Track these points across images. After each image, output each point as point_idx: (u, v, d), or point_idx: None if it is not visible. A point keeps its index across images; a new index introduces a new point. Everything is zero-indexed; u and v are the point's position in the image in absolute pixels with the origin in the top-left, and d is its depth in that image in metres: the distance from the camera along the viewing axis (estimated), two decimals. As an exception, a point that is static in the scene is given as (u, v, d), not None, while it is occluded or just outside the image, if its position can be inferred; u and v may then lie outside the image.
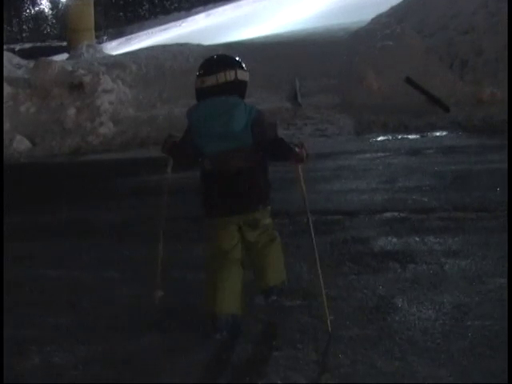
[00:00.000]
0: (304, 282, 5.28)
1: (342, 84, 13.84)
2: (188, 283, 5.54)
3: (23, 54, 27.88)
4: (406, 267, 5.38)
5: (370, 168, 8.83)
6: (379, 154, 9.68)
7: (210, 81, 4.40)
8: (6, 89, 16.33)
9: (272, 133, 4.49)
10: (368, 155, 9.69)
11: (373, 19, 17.88)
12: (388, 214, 6.80)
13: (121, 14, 67.00)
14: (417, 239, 6.00)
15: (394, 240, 6.07)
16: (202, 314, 4.57)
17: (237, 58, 4.59)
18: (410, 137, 10.82)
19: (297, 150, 4.51)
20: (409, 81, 12.51)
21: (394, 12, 17.64)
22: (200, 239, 6.49)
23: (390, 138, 10.92)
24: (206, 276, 4.65)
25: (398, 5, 18.10)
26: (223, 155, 4.38)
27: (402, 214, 6.76)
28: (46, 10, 75.26)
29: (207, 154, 4.44)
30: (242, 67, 4.49)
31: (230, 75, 4.39)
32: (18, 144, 14.28)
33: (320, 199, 7.53)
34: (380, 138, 10.95)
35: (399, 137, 10.88)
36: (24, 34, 73.29)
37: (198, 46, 18.26)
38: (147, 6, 67.38)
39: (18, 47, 57.59)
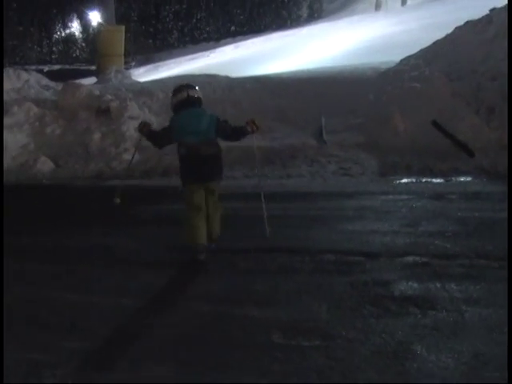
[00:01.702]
0: (322, 322, 5.23)
1: (368, 123, 13.82)
2: (204, 315, 5.51)
3: (51, 75, 28.11)
4: (426, 313, 5.32)
5: (393, 210, 8.77)
6: (402, 197, 9.63)
7: (181, 96, 7.09)
8: (33, 109, 16.46)
9: (227, 126, 7.13)
10: (391, 197, 9.63)
11: (402, 60, 17.92)
12: (409, 258, 6.72)
13: (150, 41, 67.53)
14: (438, 285, 5.93)
15: (415, 285, 6.00)
16: (224, 346, 4.54)
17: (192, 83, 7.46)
18: (434, 180, 10.74)
19: (248, 128, 7.17)
20: (435, 124, 12.46)
21: (423, 54, 17.68)
22: (220, 271, 6.54)
23: (414, 180, 10.85)
24: (185, 221, 7.02)
25: (428, 47, 18.13)
26: (195, 145, 6.87)
27: (423, 259, 6.68)
28: (77, 34, 76.04)
29: (184, 144, 6.95)
30: (196, 88, 7.23)
31: (194, 93, 7.12)
32: (42, 165, 14.34)
33: (341, 239, 7.49)
34: (404, 180, 10.88)
35: (423, 180, 10.80)
36: (53, 56, 74.02)
37: (226, 77, 18.36)
38: (176, 35, 67.96)
39: (46, 68, 58.14)
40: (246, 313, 5.43)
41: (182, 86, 7.25)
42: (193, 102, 7.03)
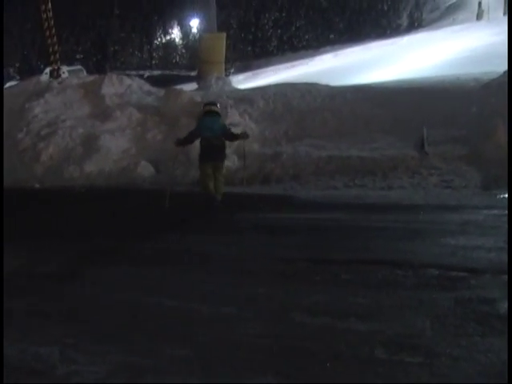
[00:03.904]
0: (426, 338, 5.13)
1: (470, 135, 13.56)
2: (306, 327, 5.47)
3: (152, 80, 28.58)
4: (534, 333, 5.17)
5: (498, 225, 8.54)
6: (507, 211, 9.39)
7: (206, 108, 11.49)
8: (135, 114, 16.81)
9: (229, 131, 11.53)
10: (495, 211, 9.40)
11: (505, 71, 17.51)
12: (516, 276, 6.56)
13: (249, 48, 68.01)
14: (546, 304, 5.76)
15: (522, 303, 5.84)
16: (326, 359, 4.51)
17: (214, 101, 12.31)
18: (540, 195, 10.48)
19: (240, 135, 11.55)
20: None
21: (527, 65, 17.23)
22: (322, 282, 6.51)
23: (519, 195, 10.60)
24: (200, 182, 11.36)
25: (535, 58, 17.67)
26: (209, 138, 11.05)
27: (531, 277, 6.51)
28: (177, 40, 77.22)
29: (203, 137, 11.17)
30: (217, 105, 11.81)
31: (214, 108, 11.47)
32: (143, 169, 14.63)
33: (445, 253, 7.35)
34: (508, 195, 10.63)
35: (528, 194, 10.55)
36: (153, 62, 75.39)
37: (326, 86, 18.33)
38: (276, 43, 68.23)
39: (146, 74, 59.25)
40: (348, 326, 5.38)
41: (208, 102, 12.26)
42: (212, 112, 11.42)
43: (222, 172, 11.29)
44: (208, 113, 11.38)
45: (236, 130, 12.29)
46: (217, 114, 11.42)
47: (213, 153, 11.10)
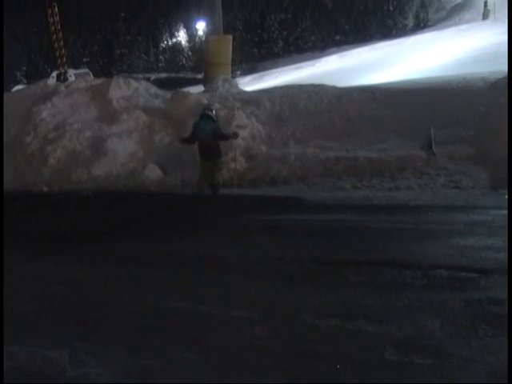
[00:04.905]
0: (436, 340, 5.13)
1: (478, 135, 13.51)
2: (316, 329, 5.47)
3: (158, 83, 28.62)
4: (545, 333, 5.15)
5: (506, 225, 8.50)
6: (507, 211, 9.35)
7: (201, 112, 12.99)
8: (142, 117, 16.81)
9: (220, 131, 12.74)
10: (504, 212, 9.32)
11: (513, 71, 17.46)
12: (526, 276, 6.53)
13: (255, 50, 68.11)
14: (557, 304, 5.74)
15: (532, 304, 5.81)
16: (336, 361, 4.51)
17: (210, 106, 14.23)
18: (548, 195, 10.43)
19: (230, 135, 12.91)
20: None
21: (534, 64, 17.18)
22: (331, 284, 6.50)
23: (527, 194, 10.56)
24: (199, 176, 12.67)
25: (542, 57, 17.62)
26: (203, 139, 12.52)
27: (540, 277, 6.48)
28: (183, 42, 77.36)
29: (198, 138, 12.63)
30: (213, 111, 13.14)
31: (208, 112, 12.86)
32: (150, 172, 14.63)
33: (453, 254, 7.33)
34: (508, 195, 10.59)
35: (537, 194, 10.51)
36: (160, 64, 75.57)
37: (333, 87, 18.27)
38: (281, 44, 68.32)
39: (153, 77, 59.43)
40: (358, 327, 5.38)
41: (205, 107, 13.99)
42: (205, 116, 12.73)
43: (219, 166, 12.81)
44: (202, 116, 12.83)
45: (227, 131, 13.45)
46: (209, 117, 12.73)
47: (207, 151, 12.60)
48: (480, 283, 6.41)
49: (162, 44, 78.71)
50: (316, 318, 5.67)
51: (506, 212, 9.21)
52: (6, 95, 24.19)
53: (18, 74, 71.14)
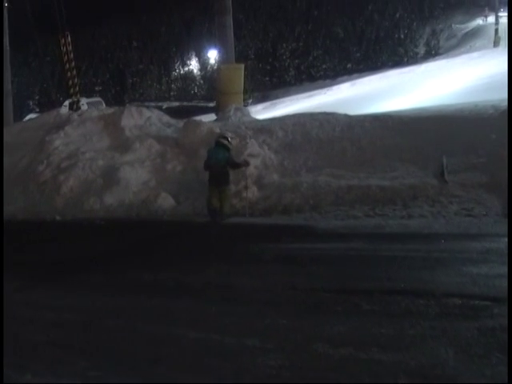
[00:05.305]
0: (450, 369, 5.10)
1: (490, 163, 13.49)
2: (329, 358, 5.45)
3: (170, 111, 28.82)
4: (560, 364, 5.12)
5: (519, 253, 8.49)
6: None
7: (216, 140, 13.56)
8: (155, 146, 16.89)
9: (231, 160, 13.11)
10: (517, 239, 9.34)
11: (525, 99, 17.47)
12: (539, 304, 6.50)
13: (267, 78, 68.45)
14: None
15: (546, 333, 5.78)
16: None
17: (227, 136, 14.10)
18: (562, 223, 10.39)
19: (241, 164, 13.36)
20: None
21: (547, 92, 17.19)
22: (344, 312, 6.49)
23: (540, 222, 10.52)
24: (208, 201, 13.07)
25: (552, 85, 17.64)
26: (213, 166, 13.03)
27: (554, 306, 6.45)
28: (195, 71, 77.88)
29: (209, 164, 13.15)
30: (228, 139, 13.62)
31: (223, 140, 13.42)
32: (163, 201, 14.66)
33: (467, 282, 7.30)
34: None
35: (550, 222, 10.47)
36: (172, 93, 76.09)
37: (345, 115, 18.30)
38: (293, 73, 68.69)
39: (165, 105, 59.82)
40: (371, 356, 5.36)
41: (219, 135, 14.10)
42: (219, 144, 13.23)
43: (226, 193, 13.16)
44: (216, 144, 13.36)
45: (239, 160, 13.79)
46: (223, 145, 13.24)
47: (216, 178, 13.00)
48: (493, 311, 6.37)
49: (173, 72, 79.34)
50: (329, 348, 5.65)
51: (518, 240, 9.20)
52: (18, 124, 24.47)
53: (31, 102, 71.78)
